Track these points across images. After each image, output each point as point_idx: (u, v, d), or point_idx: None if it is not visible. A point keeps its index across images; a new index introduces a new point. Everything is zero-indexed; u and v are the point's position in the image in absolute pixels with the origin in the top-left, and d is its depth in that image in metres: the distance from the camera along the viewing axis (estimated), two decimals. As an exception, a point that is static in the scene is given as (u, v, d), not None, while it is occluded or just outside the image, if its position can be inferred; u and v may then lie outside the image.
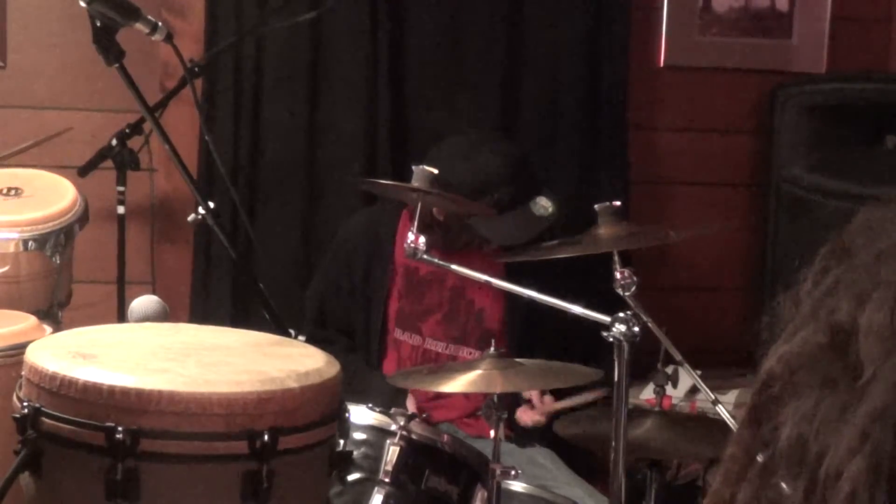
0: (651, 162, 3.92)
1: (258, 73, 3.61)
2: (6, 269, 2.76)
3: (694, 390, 3.37)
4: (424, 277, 3.23)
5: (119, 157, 3.31)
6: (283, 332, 2.46)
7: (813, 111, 3.80)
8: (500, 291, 3.16)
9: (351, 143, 3.65)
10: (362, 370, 3.15)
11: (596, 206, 2.64)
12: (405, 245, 2.62)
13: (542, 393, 3.10)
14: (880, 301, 0.64)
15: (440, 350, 3.23)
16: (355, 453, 2.23)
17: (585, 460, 3.31)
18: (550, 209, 3.13)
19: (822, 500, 0.62)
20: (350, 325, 3.29)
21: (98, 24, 2.50)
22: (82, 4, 2.48)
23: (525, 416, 3.11)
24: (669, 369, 2.69)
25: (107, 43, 2.51)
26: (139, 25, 2.59)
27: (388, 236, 3.25)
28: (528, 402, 3.11)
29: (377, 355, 3.24)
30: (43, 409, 1.89)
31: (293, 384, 1.93)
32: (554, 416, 3.03)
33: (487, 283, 2.75)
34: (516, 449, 3.09)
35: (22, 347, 2.08)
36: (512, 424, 3.15)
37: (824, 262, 0.70)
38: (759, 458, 0.67)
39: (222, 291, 3.59)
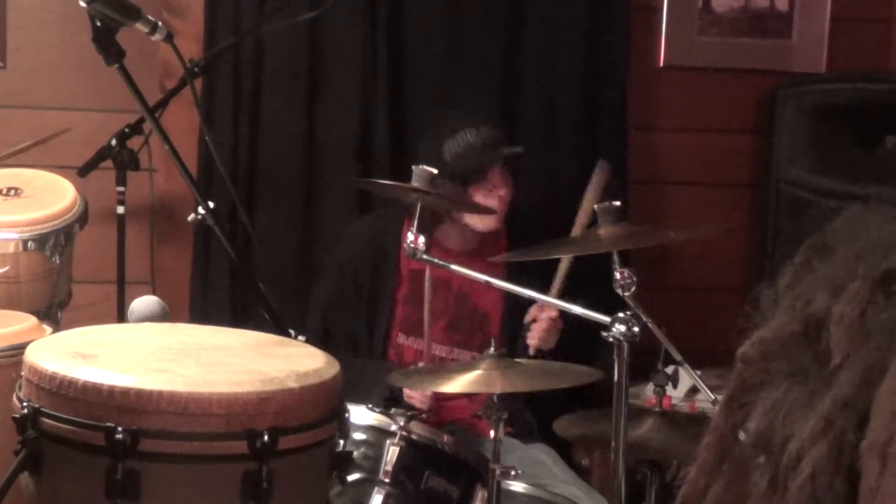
0: (651, 162, 3.92)
1: (258, 73, 3.61)
2: (6, 269, 2.76)
3: (694, 390, 3.37)
4: (431, 282, 3.23)
5: (119, 157, 3.31)
6: (283, 332, 2.45)
7: (813, 111, 3.80)
8: (501, 295, 3.17)
9: (350, 143, 3.65)
10: (359, 363, 3.14)
11: (596, 206, 2.64)
12: (405, 245, 2.63)
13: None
14: (854, 294, 0.65)
15: (444, 354, 3.24)
16: (355, 453, 2.23)
17: (580, 461, 3.32)
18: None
19: (784, 484, 0.63)
20: (354, 332, 3.29)
21: (98, 24, 2.50)
22: (82, 4, 2.48)
23: (535, 336, 3.10)
24: (669, 369, 2.69)
25: (107, 43, 2.50)
26: (139, 25, 2.59)
27: (393, 243, 3.25)
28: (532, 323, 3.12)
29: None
30: (43, 409, 1.89)
31: (293, 384, 1.93)
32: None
33: (488, 284, 2.75)
34: (517, 448, 3.09)
35: (22, 347, 2.07)
36: (513, 421, 3.15)
37: (805, 258, 0.71)
38: (733, 450, 0.68)
39: (222, 291, 3.58)
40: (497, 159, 3.15)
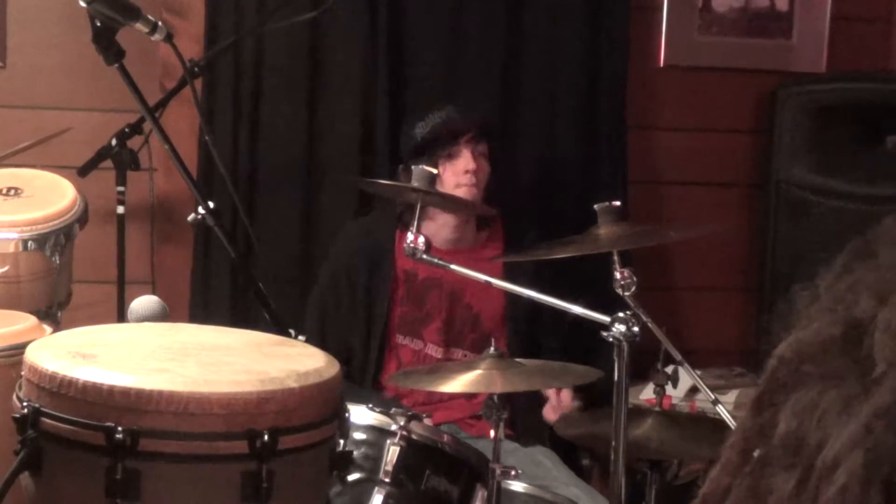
0: (651, 162, 3.92)
1: (258, 73, 3.61)
2: (6, 269, 2.76)
3: (694, 390, 3.38)
4: (424, 282, 3.24)
5: (119, 157, 3.31)
6: (283, 331, 2.45)
7: (813, 111, 3.80)
8: (499, 295, 3.16)
9: (350, 143, 3.65)
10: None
11: (596, 206, 2.64)
12: (405, 245, 2.63)
13: (559, 390, 3.11)
14: None
15: (438, 355, 3.24)
16: (355, 453, 2.23)
17: (580, 461, 3.32)
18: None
19: (815, 491, 0.62)
20: (351, 335, 3.28)
21: (98, 24, 2.50)
22: (82, 4, 2.48)
23: (550, 415, 3.11)
24: (669, 369, 2.69)
25: (107, 43, 2.50)
26: (139, 25, 2.59)
27: (387, 243, 3.25)
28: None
29: (378, 363, 3.23)
30: (43, 409, 1.89)
31: (293, 384, 1.93)
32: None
33: (487, 283, 2.75)
34: (517, 449, 3.09)
35: (22, 347, 2.07)
36: (514, 424, 3.15)
37: (847, 260, 0.70)
38: (757, 452, 0.67)
39: (222, 291, 3.59)
40: (459, 133, 3.17)
